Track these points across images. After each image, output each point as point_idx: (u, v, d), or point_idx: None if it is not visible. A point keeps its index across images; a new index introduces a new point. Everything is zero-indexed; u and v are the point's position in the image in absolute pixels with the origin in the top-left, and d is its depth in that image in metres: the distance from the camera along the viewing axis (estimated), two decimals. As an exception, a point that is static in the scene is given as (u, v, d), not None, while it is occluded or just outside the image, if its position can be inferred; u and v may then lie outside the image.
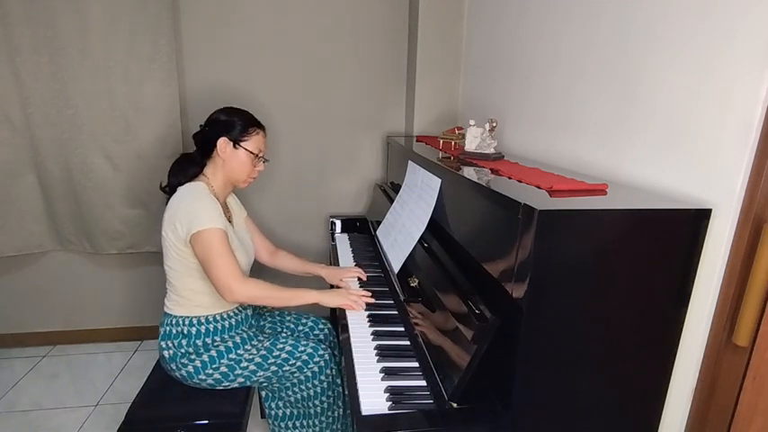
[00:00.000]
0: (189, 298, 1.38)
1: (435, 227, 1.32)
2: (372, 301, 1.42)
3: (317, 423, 1.50)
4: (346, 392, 1.45)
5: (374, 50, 2.24)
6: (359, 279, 1.60)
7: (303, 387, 1.45)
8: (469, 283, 1.04)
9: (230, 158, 1.41)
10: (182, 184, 1.38)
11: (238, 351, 1.38)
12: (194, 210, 1.30)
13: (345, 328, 1.29)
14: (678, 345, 0.93)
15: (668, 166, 0.97)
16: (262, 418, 1.73)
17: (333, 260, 1.90)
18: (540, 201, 0.87)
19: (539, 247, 0.80)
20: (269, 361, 1.39)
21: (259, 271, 1.59)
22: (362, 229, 2.23)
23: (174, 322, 1.38)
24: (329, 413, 1.50)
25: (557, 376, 0.89)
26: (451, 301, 1.05)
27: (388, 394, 1.00)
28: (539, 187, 0.98)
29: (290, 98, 2.22)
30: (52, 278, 2.29)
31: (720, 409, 0.91)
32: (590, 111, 1.23)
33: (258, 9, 2.10)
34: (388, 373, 1.08)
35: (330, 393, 1.48)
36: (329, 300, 1.42)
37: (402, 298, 1.32)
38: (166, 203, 1.38)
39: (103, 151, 2.04)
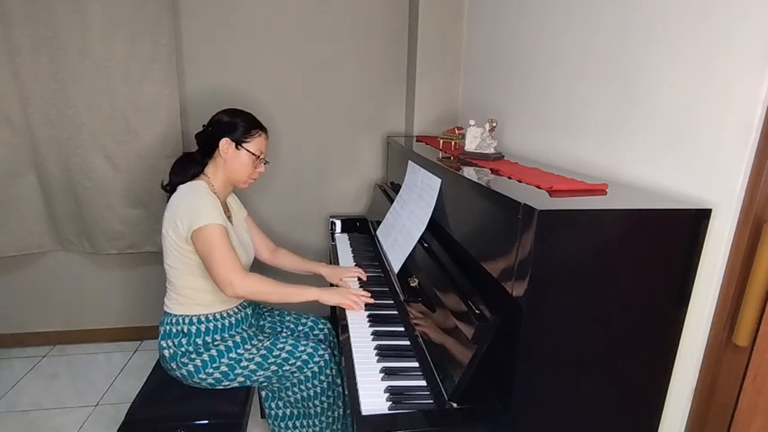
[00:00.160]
0: (189, 296, 1.38)
1: (435, 227, 1.32)
2: (372, 301, 1.42)
3: (317, 423, 1.50)
4: (346, 392, 1.45)
5: (374, 50, 2.24)
6: (359, 279, 1.60)
7: (303, 387, 1.45)
8: (469, 283, 1.04)
9: (232, 159, 1.41)
10: (183, 183, 1.39)
11: (238, 350, 1.38)
12: (195, 207, 1.30)
13: (345, 328, 1.29)
14: (678, 345, 0.93)
15: (668, 166, 0.97)
16: (262, 418, 1.73)
17: (333, 260, 1.90)
18: (540, 201, 0.87)
19: (539, 246, 0.80)
20: (269, 361, 1.39)
21: (260, 269, 1.59)
22: (362, 229, 2.23)
23: (174, 321, 1.38)
24: (329, 413, 1.50)
25: (557, 376, 0.89)
26: (451, 300, 1.05)
27: (388, 394, 1.00)
28: (539, 187, 0.98)
29: (290, 98, 2.22)
30: (52, 278, 2.29)
31: (720, 409, 0.91)
32: (590, 111, 1.23)
33: (258, 9, 2.10)
34: (388, 373, 1.08)
35: (330, 393, 1.48)
36: (329, 297, 1.42)
37: (402, 298, 1.32)
38: (167, 202, 1.38)
39: (103, 151, 2.04)
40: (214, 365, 1.35)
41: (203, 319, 1.38)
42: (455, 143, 1.69)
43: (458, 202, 1.20)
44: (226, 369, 1.36)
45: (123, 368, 2.22)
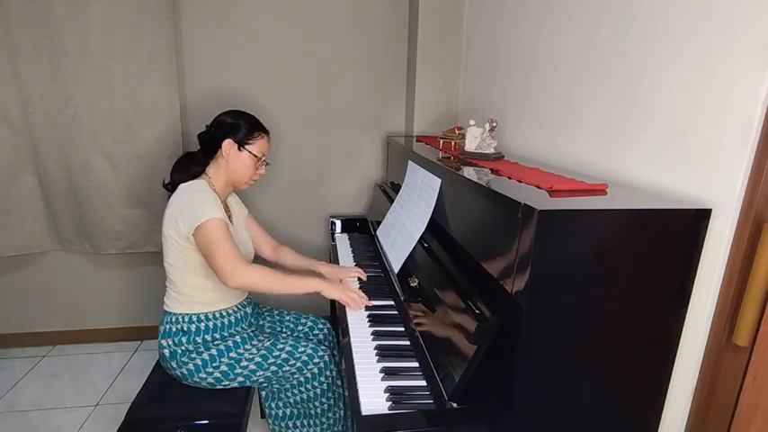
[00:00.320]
0: (189, 294, 1.38)
1: (435, 227, 1.32)
2: (371, 304, 1.42)
3: (317, 423, 1.50)
4: (346, 393, 1.45)
5: (374, 50, 2.24)
6: (359, 279, 1.60)
7: (303, 389, 1.45)
8: (469, 283, 1.04)
9: (234, 160, 1.42)
10: (184, 182, 1.39)
11: (239, 350, 1.38)
12: (196, 205, 1.31)
13: (345, 328, 1.29)
14: (678, 345, 0.93)
15: (668, 166, 0.97)
16: (262, 418, 1.73)
17: (333, 260, 1.90)
18: (540, 201, 0.87)
19: (539, 246, 0.80)
20: (269, 361, 1.39)
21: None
22: (362, 229, 2.23)
23: (173, 320, 1.38)
24: (330, 414, 1.50)
25: (557, 376, 0.89)
26: (451, 300, 1.05)
27: (388, 394, 1.00)
28: (539, 187, 0.98)
29: (290, 98, 2.22)
30: (52, 278, 2.29)
31: (720, 409, 0.91)
32: (590, 111, 1.23)
33: (258, 9, 2.10)
34: (388, 373, 1.08)
35: (330, 395, 1.48)
36: (330, 291, 1.40)
37: (402, 298, 1.32)
38: (168, 201, 1.38)
39: (103, 151, 2.04)
40: (214, 365, 1.35)
41: (203, 317, 1.38)
42: (455, 143, 1.69)
43: (458, 202, 1.20)
44: (225, 369, 1.36)
45: (123, 368, 2.22)
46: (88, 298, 2.35)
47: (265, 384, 1.45)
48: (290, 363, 1.40)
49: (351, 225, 2.26)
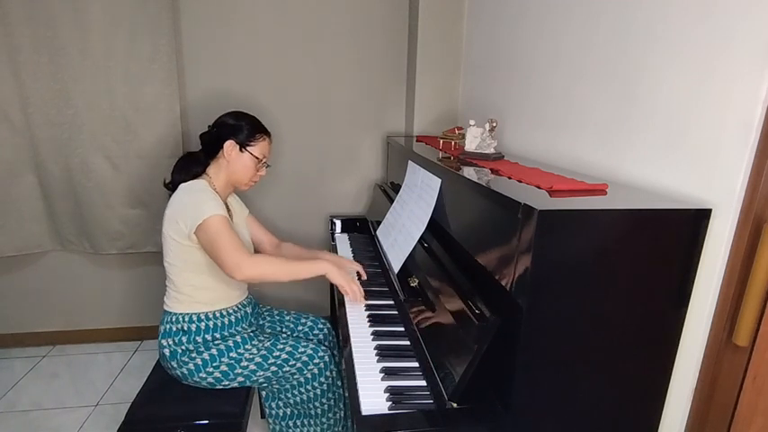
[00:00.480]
0: (189, 294, 1.38)
1: (435, 227, 1.32)
2: (369, 303, 1.42)
3: (317, 423, 1.50)
4: (346, 393, 1.45)
5: (374, 50, 2.24)
6: (359, 276, 1.60)
7: (303, 389, 1.45)
8: (469, 283, 1.04)
9: (235, 161, 1.42)
10: (184, 182, 1.40)
11: (239, 350, 1.38)
12: (196, 204, 1.31)
13: (345, 328, 1.29)
14: (678, 345, 0.93)
15: (668, 166, 0.97)
16: (262, 418, 1.73)
17: (333, 260, 1.90)
18: (540, 201, 0.87)
19: (538, 246, 0.80)
20: (269, 361, 1.39)
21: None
22: (362, 229, 2.23)
23: (174, 320, 1.38)
24: (330, 414, 1.50)
25: (557, 376, 0.89)
26: (451, 300, 1.05)
27: (388, 394, 1.00)
28: (539, 187, 0.98)
29: (290, 98, 2.22)
30: (52, 278, 2.29)
31: (720, 409, 0.91)
32: (590, 111, 1.23)
33: (258, 9, 2.10)
34: (388, 373, 1.08)
35: (331, 395, 1.48)
36: (336, 275, 1.38)
37: (402, 298, 1.32)
38: (168, 200, 1.39)
39: (103, 151, 2.04)
40: (214, 365, 1.35)
41: (203, 317, 1.38)
42: (455, 143, 1.69)
43: (458, 203, 1.20)
44: (226, 369, 1.36)
45: (123, 368, 2.22)
46: (88, 298, 2.35)
47: (265, 384, 1.45)
48: (290, 363, 1.40)
49: (351, 225, 2.26)
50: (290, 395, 1.46)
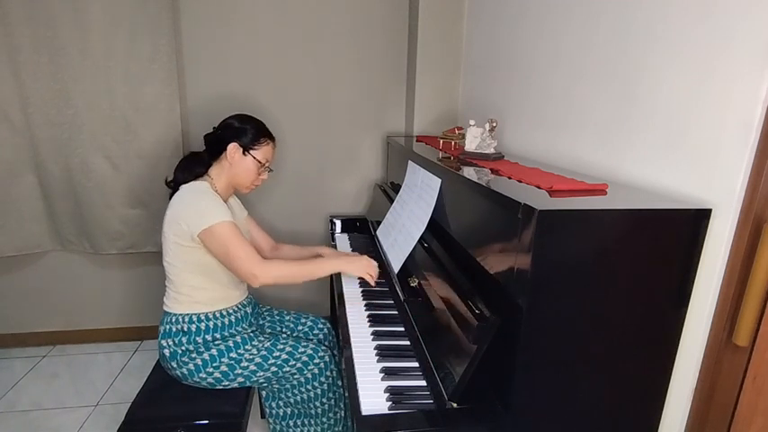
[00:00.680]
0: (188, 294, 1.38)
1: (435, 227, 1.32)
2: (370, 302, 1.42)
3: (318, 423, 1.50)
4: (346, 393, 1.45)
5: (374, 50, 2.24)
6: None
7: (303, 389, 1.45)
8: (469, 283, 1.04)
9: (237, 164, 1.42)
10: (186, 182, 1.40)
11: (239, 350, 1.38)
12: (200, 207, 1.31)
13: (345, 328, 1.29)
14: (678, 345, 0.93)
15: (668, 166, 0.97)
16: (262, 418, 1.73)
17: (333, 260, 1.90)
18: (540, 201, 0.87)
19: (539, 246, 0.80)
20: (269, 361, 1.39)
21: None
22: (362, 229, 2.24)
23: (173, 320, 1.38)
24: (330, 414, 1.50)
25: (557, 376, 0.89)
26: (451, 300, 1.05)
27: (388, 394, 1.00)
28: (539, 187, 0.98)
29: (290, 98, 2.22)
30: (52, 278, 2.29)
31: (720, 409, 0.91)
32: (590, 111, 1.23)
33: (258, 9, 2.10)
34: (388, 373, 1.08)
35: (331, 395, 1.48)
36: (353, 268, 1.42)
37: (402, 298, 1.32)
38: (170, 198, 1.39)
39: (103, 151, 2.04)
40: (214, 365, 1.35)
41: (203, 317, 1.38)
42: (455, 143, 1.69)
43: (458, 203, 1.20)
44: (226, 369, 1.36)
45: (123, 368, 2.22)
46: (88, 298, 2.35)
47: (265, 384, 1.45)
48: (290, 363, 1.40)
49: (351, 225, 2.27)
50: (290, 395, 1.46)
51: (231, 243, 1.29)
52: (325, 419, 1.50)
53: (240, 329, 1.45)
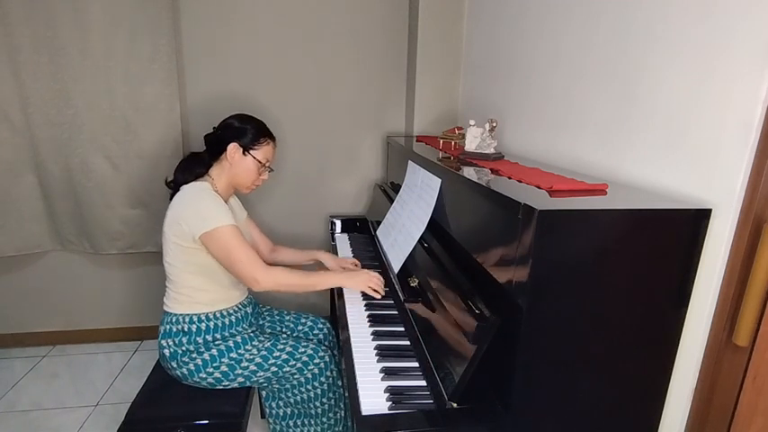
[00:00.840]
0: (189, 294, 1.38)
1: (435, 227, 1.32)
2: (370, 302, 1.42)
3: (318, 423, 1.50)
4: (346, 393, 1.45)
5: (374, 50, 2.24)
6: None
7: (303, 389, 1.45)
8: (469, 283, 1.04)
9: (237, 164, 1.42)
10: (187, 182, 1.39)
11: (239, 351, 1.38)
12: (201, 209, 1.31)
13: (345, 328, 1.29)
14: (678, 345, 0.93)
15: (668, 166, 0.97)
16: (262, 418, 1.73)
17: (333, 260, 1.90)
18: (540, 201, 0.87)
19: (539, 246, 0.80)
20: (269, 362, 1.39)
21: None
22: (362, 229, 2.23)
23: (174, 320, 1.38)
24: (330, 414, 1.50)
25: (557, 376, 0.89)
26: (451, 300, 1.05)
27: (388, 394, 1.00)
28: (539, 187, 0.98)
29: (290, 98, 2.22)
30: (52, 278, 2.29)
31: (720, 409, 0.91)
32: (590, 111, 1.23)
33: (258, 9, 2.10)
34: (388, 373, 1.08)
35: (331, 395, 1.48)
36: (353, 283, 1.43)
37: (402, 298, 1.32)
38: (170, 199, 1.39)
39: (103, 151, 2.04)
40: (214, 365, 1.35)
41: (203, 317, 1.38)
42: (455, 143, 1.69)
43: (458, 202, 1.20)
44: (226, 369, 1.36)
45: (123, 368, 2.22)
46: (88, 298, 2.35)
47: (265, 384, 1.45)
48: (290, 363, 1.40)
49: (351, 225, 2.26)
50: (290, 395, 1.46)
51: (233, 247, 1.30)
52: (325, 419, 1.50)
53: (240, 330, 1.45)
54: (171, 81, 2.03)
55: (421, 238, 1.34)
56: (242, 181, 1.45)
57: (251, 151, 1.42)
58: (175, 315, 1.38)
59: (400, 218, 1.54)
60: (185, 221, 1.30)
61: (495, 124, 1.37)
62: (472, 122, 1.40)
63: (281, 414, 1.51)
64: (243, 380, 1.38)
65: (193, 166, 1.44)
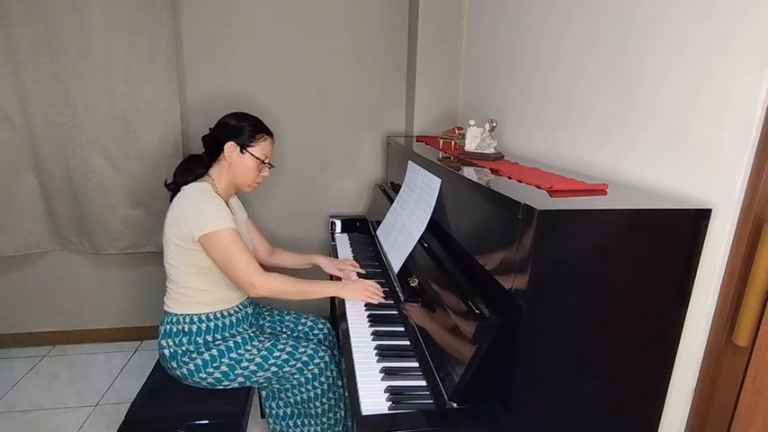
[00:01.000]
0: (189, 295, 1.38)
1: (435, 227, 1.32)
2: (370, 302, 1.42)
3: (318, 423, 1.50)
4: (346, 393, 1.45)
5: (374, 50, 2.24)
6: (358, 274, 1.61)
7: (303, 389, 1.45)
8: (469, 283, 1.04)
9: (236, 163, 1.42)
10: (187, 183, 1.39)
11: (239, 351, 1.38)
12: (201, 210, 1.31)
13: (345, 328, 1.29)
14: (678, 345, 0.93)
15: (668, 166, 0.97)
16: (262, 418, 1.73)
17: (333, 260, 1.90)
18: (540, 201, 0.87)
19: (539, 246, 0.80)
20: (269, 362, 1.39)
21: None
22: (362, 229, 2.23)
23: (174, 320, 1.38)
24: (330, 414, 1.50)
25: (557, 376, 0.89)
26: (451, 300, 1.05)
27: (388, 394, 1.00)
28: (539, 187, 0.98)
29: (290, 98, 2.22)
30: (52, 278, 2.29)
31: (720, 409, 0.91)
32: (590, 111, 1.23)
33: (258, 9, 2.10)
34: (388, 373, 1.08)
35: (331, 395, 1.48)
36: (348, 293, 1.42)
37: (402, 298, 1.32)
38: (170, 201, 1.39)
39: (103, 151, 2.04)
40: (214, 365, 1.35)
41: (204, 318, 1.38)
42: (455, 143, 1.69)
43: (458, 202, 1.20)
44: (226, 369, 1.36)
45: (123, 368, 2.22)
46: (88, 298, 2.35)
47: (265, 384, 1.45)
48: (290, 363, 1.40)
49: (351, 225, 2.26)
50: (290, 395, 1.46)
51: (232, 251, 1.30)
52: (325, 419, 1.50)
53: (241, 330, 1.45)
54: (171, 81, 2.03)
55: (421, 238, 1.34)
56: (242, 179, 1.45)
57: (249, 149, 1.42)
58: (176, 315, 1.38)
59: (400, 218, 1.54)
60: (185, 222, 1.30)
61: (495, 124, 1.37)
62: (472, 122, 1.40)
63: (281, 414, 1.51)
64: (243, 380, 1.38)
65: (193, 167, 1.44)
